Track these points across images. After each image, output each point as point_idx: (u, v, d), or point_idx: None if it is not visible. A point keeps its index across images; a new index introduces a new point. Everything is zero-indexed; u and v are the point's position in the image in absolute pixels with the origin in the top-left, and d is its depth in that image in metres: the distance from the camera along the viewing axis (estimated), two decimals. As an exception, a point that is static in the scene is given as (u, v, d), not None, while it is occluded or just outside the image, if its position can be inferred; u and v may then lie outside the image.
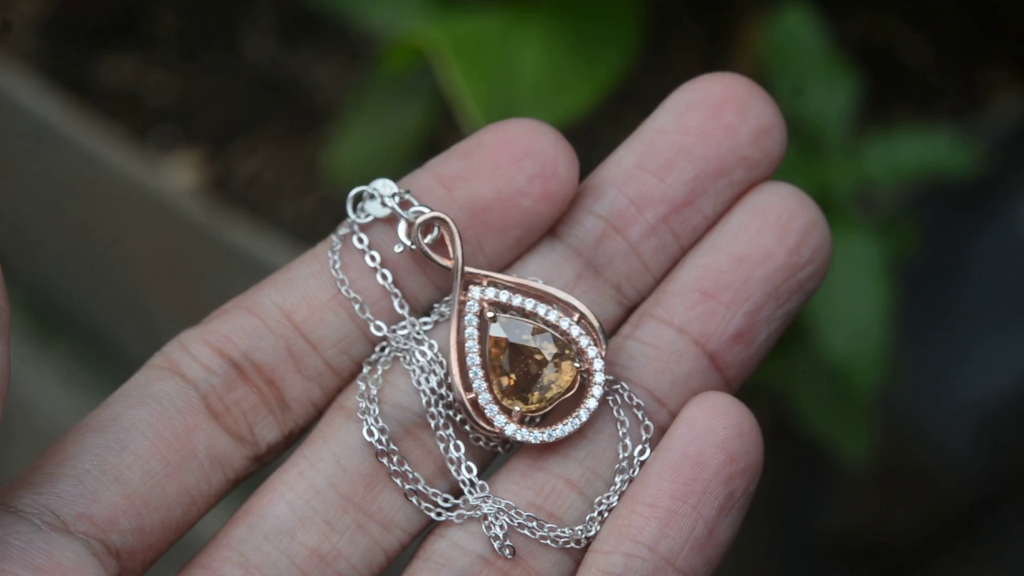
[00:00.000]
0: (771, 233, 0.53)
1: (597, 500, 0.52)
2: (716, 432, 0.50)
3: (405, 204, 0.53)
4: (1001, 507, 1.02)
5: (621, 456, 0.52)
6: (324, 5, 0.94)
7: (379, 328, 0.53)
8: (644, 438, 0.52)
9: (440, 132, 0.93)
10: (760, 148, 0.54)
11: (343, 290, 0.53)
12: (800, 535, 1.02)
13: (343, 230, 0.53)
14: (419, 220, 0.52)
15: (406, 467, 0.52)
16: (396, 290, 0.53)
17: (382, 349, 0.53)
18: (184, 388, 0.52)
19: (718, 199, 0.53)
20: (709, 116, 0.54)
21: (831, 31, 0.88)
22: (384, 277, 0.53)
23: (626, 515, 0.51)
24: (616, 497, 0.51)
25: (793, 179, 0.86)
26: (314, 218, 0.99)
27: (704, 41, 1.06)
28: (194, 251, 0.99)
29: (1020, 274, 1.01)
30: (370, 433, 0.52)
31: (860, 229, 0.85)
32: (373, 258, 0.53)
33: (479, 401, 0.52)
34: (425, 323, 0.53)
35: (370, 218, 0.53)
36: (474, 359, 0.52)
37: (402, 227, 0.53)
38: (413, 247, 0.53)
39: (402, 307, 0.53)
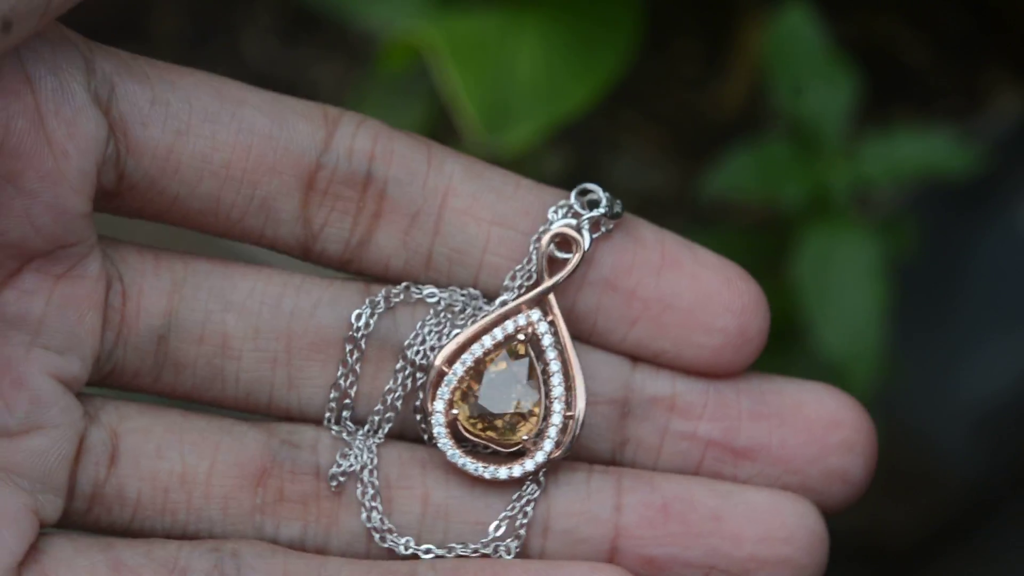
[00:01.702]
0: (758, 532, 0.52)
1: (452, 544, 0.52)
2: None
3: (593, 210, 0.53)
4: (1001, 507, 1.02)
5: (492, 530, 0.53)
6: (324, 5, 0.94)
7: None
8: (511, 546, 0.53)
9: (440, 132, 0.93)
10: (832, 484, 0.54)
11: (532, 241, 0.53)
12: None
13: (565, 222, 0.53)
14: (559, 229, 0.52)
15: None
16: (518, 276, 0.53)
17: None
18: (316, 138, 0.51)
19: (764, 474, 0.54)
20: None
21: (831, 31, 0.88)
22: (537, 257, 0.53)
23: (472, 567, 0.51)
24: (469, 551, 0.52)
25: (792, 179, 0.86)
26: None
27: (704, 41, 1.06)
28: (194, 250, 0.99)
29: (1020, 274, 1.01)
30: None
31: (859, 229, 0.85)
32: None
33: (442, 381, 0.52)
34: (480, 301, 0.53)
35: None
36: (473, 355, 0.52)
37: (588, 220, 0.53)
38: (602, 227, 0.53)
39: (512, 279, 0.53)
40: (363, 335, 0.53)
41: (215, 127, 0.50)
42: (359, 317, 0.53)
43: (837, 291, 0.83)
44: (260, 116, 0.51)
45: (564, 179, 1.05)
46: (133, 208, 0.51)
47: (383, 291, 0.53)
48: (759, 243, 0.91)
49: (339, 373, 0.53)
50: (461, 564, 0.52)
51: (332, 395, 0.53)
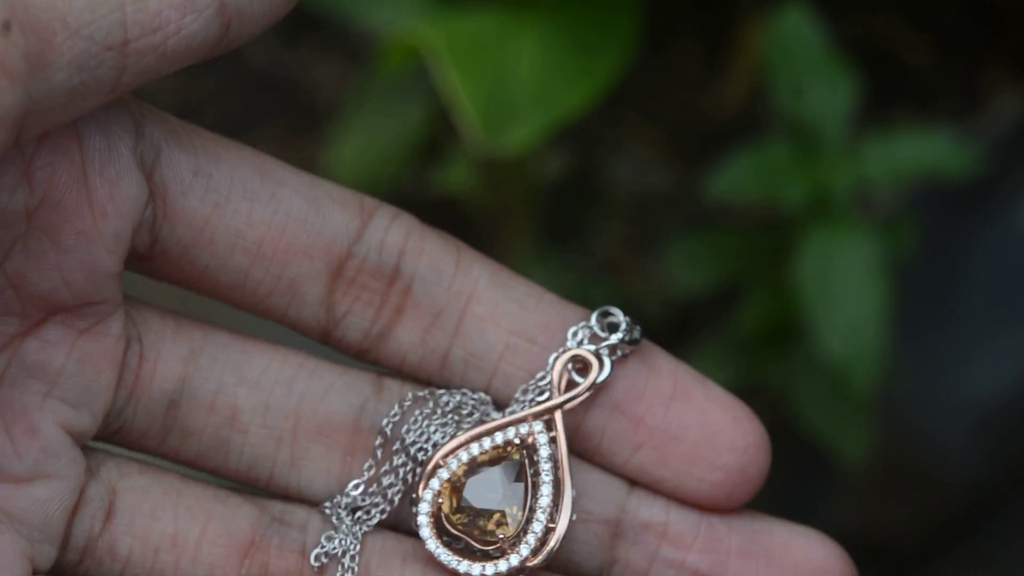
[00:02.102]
0: None
1: None
2: None
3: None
4: (1001, 507, 1.02)
5: None
6: (324, 5, 0.94)
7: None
8: None
9: (441, 132, 0.93)
10: None
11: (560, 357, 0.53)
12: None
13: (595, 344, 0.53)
14: (573, 352, 0.53)
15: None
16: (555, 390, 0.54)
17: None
18: (350, 227, 0.52)
19: None
20: None
21: (831, 31, 0.88)
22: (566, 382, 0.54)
23: None
24: None
25: (793, 181, 0.86)
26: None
27: (704, 42, 1.06)
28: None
29: (1020, 274, 1.01)
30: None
31: (859, 229, 0.85)
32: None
33: (436, 473, 0.53)
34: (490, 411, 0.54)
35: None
36: (470, 453, 0.53)
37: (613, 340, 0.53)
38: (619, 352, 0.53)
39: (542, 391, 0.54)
40: (390, 428, 0.53)
41: (253, 205, 0.51)
42: (396, 414, 0.53)
43: (838, 292, 0.83)
44: (298, 199, 0.51)
45: (564, 179, 1.05)
46: (162, 272, 0.51)
47: (411, 394, 0.53)
48: (760, 244, 0.91)
49: (366, 466, 0.53)
50: None
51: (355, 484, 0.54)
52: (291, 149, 1.02)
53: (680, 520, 0.54)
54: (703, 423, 0.53)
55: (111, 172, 0.49)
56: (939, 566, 1.03)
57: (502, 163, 0.89)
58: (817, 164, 0.86)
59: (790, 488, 1.01)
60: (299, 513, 0.53)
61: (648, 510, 0.54)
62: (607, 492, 0.54)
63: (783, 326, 0.90)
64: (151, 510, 0.52)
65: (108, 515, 0.51)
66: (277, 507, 0.53)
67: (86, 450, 0.51)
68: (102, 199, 0.49)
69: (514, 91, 0.78)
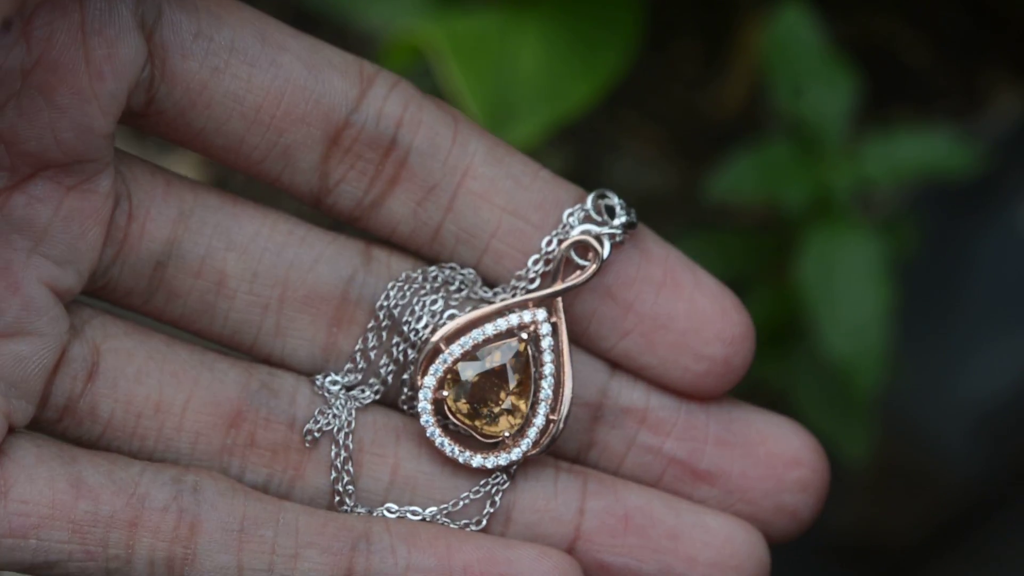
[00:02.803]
0: (711, 556, 0.53)
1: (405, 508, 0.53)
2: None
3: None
4: (1001, 507, 1.02)
5: (445, 509, 0.53)
6: (324, 5, 0.94)
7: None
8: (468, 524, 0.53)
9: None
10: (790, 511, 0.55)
11: (553, 238, 0.53)
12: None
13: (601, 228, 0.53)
14: (582, 235, 0.53)
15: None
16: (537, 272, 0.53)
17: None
18: (349, 96, 0.51)
19: (719, 500, 0.55)
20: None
21: (831, 31, 0.88)
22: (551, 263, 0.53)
23: (426, 531, 0.52)
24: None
25: (794, 181, 0.86)
26: (314, 217, 0.99)
27: (704, 41, 1.06)
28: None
29: (1020, 274, 1.01)
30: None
31: (860, 229, 0.85)
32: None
33: (436, 358, 0.52)
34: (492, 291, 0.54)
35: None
36: (473, 339, 0.53)
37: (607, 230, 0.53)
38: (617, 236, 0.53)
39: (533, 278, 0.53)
40: (384, 308, 0.53)
41: (252, 70, 0.50)
42: (387, 296, 0.53)
43: (840, 292, 0.83)
44: (298, 65, 0.51)
45: (564, 178, 1.05)
46: (156, 130, 0.51)
47: (404, 274, 0.53)
48: (761, 244, 0.91)
49: (360, 342, 0.53)
50: (416, 529, 0.52)
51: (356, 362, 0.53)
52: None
53: (660, 406, 0.54)
54: (692, 312, 0.53)
55: (110, 32, 0.48)
56: (939, 566, 1.03)
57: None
58: (817, 164, 0.86)
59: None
60: (287, 381, 0.53)
61: (629, 395, 0.54)
62: (589, 375, 0.54)
63: (784, 326, 0.90)
64: (135, 374, 0.51)
65: (90, 375, 0.51)
66: (264, 370, 0.53)
67: (72, 306, 0.51)
68: (99, 60, 0.48)
69: (516, 88, 0.78)
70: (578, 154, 1.05)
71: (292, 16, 1.05)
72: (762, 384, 0.91)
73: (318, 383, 0.53)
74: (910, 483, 1.01)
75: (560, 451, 0.54)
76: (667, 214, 1.04)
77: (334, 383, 0.53)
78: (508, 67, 0.79)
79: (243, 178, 1.00)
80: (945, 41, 1.06)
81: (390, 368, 0.53)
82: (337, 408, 0.52)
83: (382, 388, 0.53)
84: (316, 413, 0.52)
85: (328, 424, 0.52)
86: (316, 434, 0.52)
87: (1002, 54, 1.05)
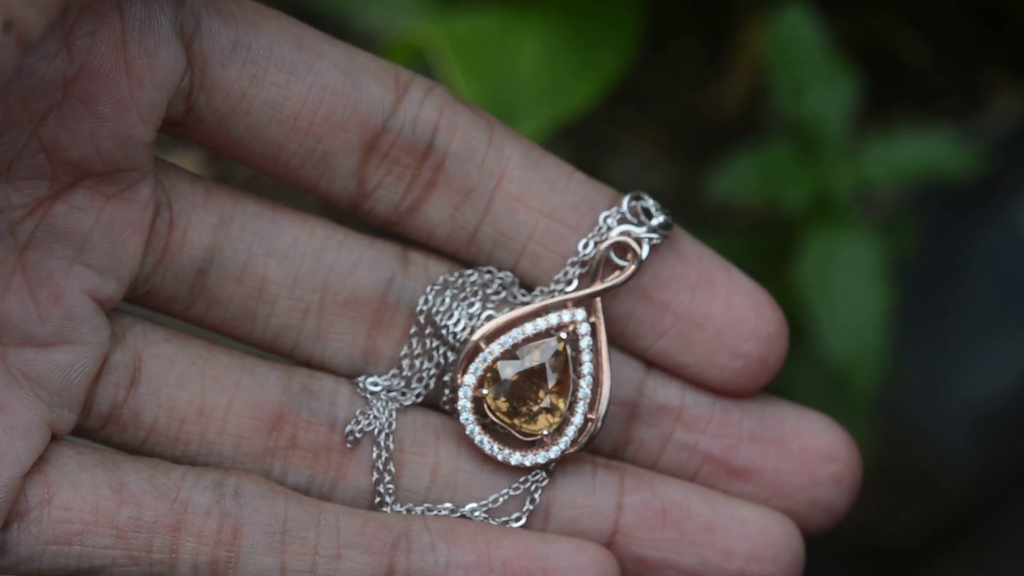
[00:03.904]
0: (749, 548, 0.54)
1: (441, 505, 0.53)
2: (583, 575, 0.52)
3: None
4: (1001, 507, 1.02)
5: (485, 505, 0.53)
6: (324, 5, 0.94)
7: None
8: (509, 520, 0.53)
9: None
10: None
11: (583, 245, 0.53)
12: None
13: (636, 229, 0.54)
14: (621, 237, 0.53)
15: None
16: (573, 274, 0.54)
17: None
18: (385, 102, 0.52)
19: (754, 494, 0.55)
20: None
21: (831, 31, 0.88)
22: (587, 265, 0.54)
23: (465, 527, 0.52)
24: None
25: (794, 181, 0.86)
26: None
27: (704, 41, 1.06)
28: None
29: (1020, 275, 1.01)
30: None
31: (860, 230, 0.85)
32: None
33: (476, 357, 0.53)
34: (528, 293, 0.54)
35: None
36: (512, 338, 0.53)
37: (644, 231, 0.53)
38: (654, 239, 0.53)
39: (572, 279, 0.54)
40: (423, 312, 0.53)
41: (291, 78, 0.51)
42: (426, 300, 0.53)
43: (840, 292, 0.83)
44: (335, 72, 0.51)
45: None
46: (195, 138, 0.51)
47: (442, 278, 0.53)
48: (761, 245, 0.91)
49: (405, 349, 0.53)
50: (455, 526, 0.52)
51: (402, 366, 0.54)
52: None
53: (695, 404, 0.54)
54: (727, 310, 0.54)
55: (150, 42, 0.49)
56: (939, 566, 1.03)
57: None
58: (818, 164, 0.86)
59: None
60: (327, 383, 0.53)
61: (664, 392, 0.54)
62: (626, 374, 0.54)
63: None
64: (177, 380, 0.52)
65: (132, 382, 0.51)
66: (304, 373, 0.53)
67: (113, 313, 0.51)
68: (139, 69, 0.48)
69: (517, 89, 0.78)
70: (578, 154, 1.05)
71: (292, 16, 1.05)
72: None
73: (360, 385, 0.53)
74: (910, 483, 1.01)
75: (597, 449, 0.55)
76: (667, 214, 1.04)
77: (375, 384, 0.53)
78: (508, 67, 0.79)
79: (243, 180, 1.00)
80: (945, 41, 1.06)
81: (431, 372, 0.54)
82: (378, 409, 0.53)
83: (424, 391, 0.54)
84: (357, 414, 0.53)
85: (369, 425, 0.53)
86: (357, 435, 0.53)
87: (1002, 54, 1.05)
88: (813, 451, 0.55)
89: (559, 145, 1.04)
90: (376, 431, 0.53)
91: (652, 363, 0.54)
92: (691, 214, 1.03)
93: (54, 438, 0.51)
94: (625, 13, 0.83)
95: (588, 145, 1.06)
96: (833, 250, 0.84)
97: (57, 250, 0.50)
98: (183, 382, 0.52)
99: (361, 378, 0.53)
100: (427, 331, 0.53)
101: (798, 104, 0.86)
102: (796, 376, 0.90)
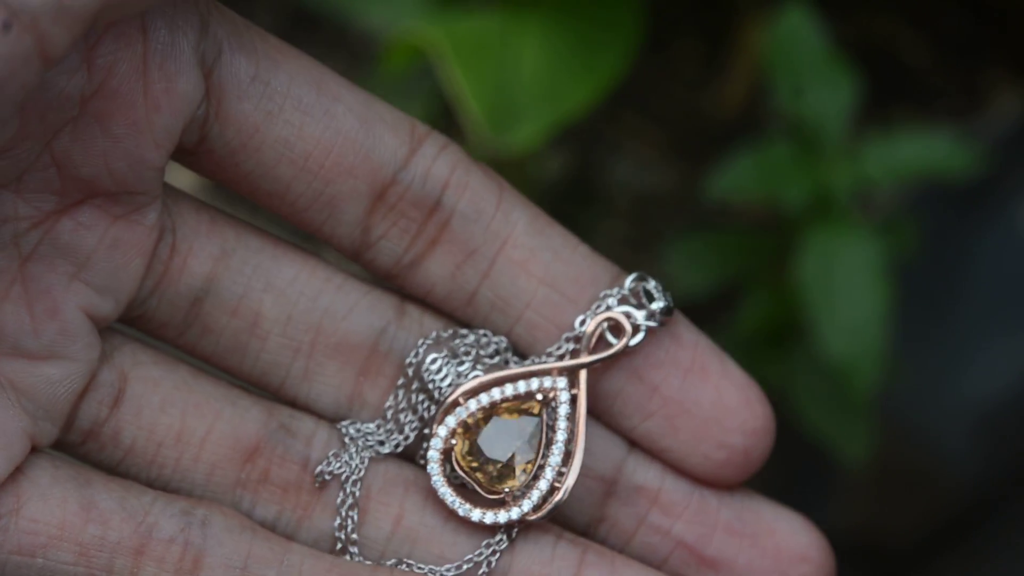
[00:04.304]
0: None
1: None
2: None
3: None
4: (1001, 507, 1.02)
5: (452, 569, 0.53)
6: (324, 5, 0.94)
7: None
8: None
9: (442, 131, 0.93)
10: None
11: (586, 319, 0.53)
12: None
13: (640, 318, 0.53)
14: (614, 315, 0.53)
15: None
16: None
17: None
18: (398, 153, 0.51)
19: None
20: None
21: (831, 31, 0.88)
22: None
23: None
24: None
25: (794, 181, 0.86)
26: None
27: (704, 41, 1.06)
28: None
29: (1020, 274, 1.01)
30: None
31: (860, 229, 0.85)
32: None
33: (453, 411, 0.53)
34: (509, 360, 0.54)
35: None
36: (491, 397, 0.53)
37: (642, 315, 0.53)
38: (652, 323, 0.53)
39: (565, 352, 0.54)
40: (413, 365, 0.53)
41: (305, 118, 0.51)
42: (416, 354, 0.53)
43: (839, 292, 0.83)
44: (351, 117, 0.51)
45: (565, 178, 1.05)
46: (205, 169, 0.51)
47: (435, 332, 0.53)
48: (760, 244, 0.91)
49: (391, 398, 0.53)
50: None
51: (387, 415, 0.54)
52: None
53: (673, 488, 0.54)
54: (716, 400, 0.53)
55: (171, 67, 0.49)
56: (939, 566, 1.03)
57: (503, 162, 0.89)
58: (818, 164, 0.86)
59: (790, 488, 1.01)
60: (306, 423, 0.53)
61: (644, 474, 0.54)
62: (607, 449, 0.54)
63: (784, 326, 0.90)
64: (160, 403, 0.52)
65: (116, 402, 0.51)
66: (285, 414, 0.53)
67: (104, 331, 0.51)
68: (158, 93, 0.48)
69: (518, 89, 0.78)
70: (578, 154, 1.05)
71: (292, 16, 1.05)
72: (762, 384, 0.91)
73: (342, 429, 0.53)
74: (910, 483, 1.01)
75: (570, 523, 0.54)
76: (667, 214, 1.04)
77: (357, 431, 0.53)
78: (509, 68, 0.79)
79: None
80: (945, 41, 1.06)
81: (414, 424, 0.54)
82: (351, 454, 0.53)
83: (403, 442, 0.54)
84: (330, 455, 0.53)
85: (340, 468, 0.53)
86: (327, 476, 0.53)
87: (1002, 54, 1.05)
88: (787, 550, 0.54)
89: (560, 146, 1.04)
90: (344, 476, 0.53)
91: (636, 443, 0.54)
92: (691, 214, 1.03)
93: (33, 450, 0.50)
94: (625, 14, 0.83)
95: (588, 145, 1.06)
96: (833, 250, 0.85)
97: (59, 265, 0.50)
98: (165, 406, 0.52)
99: (345, 423, 0.53)
100: (414, 385, 0.53)
101: (798, 104, 0.86)
102: (796, 376, 0.90)
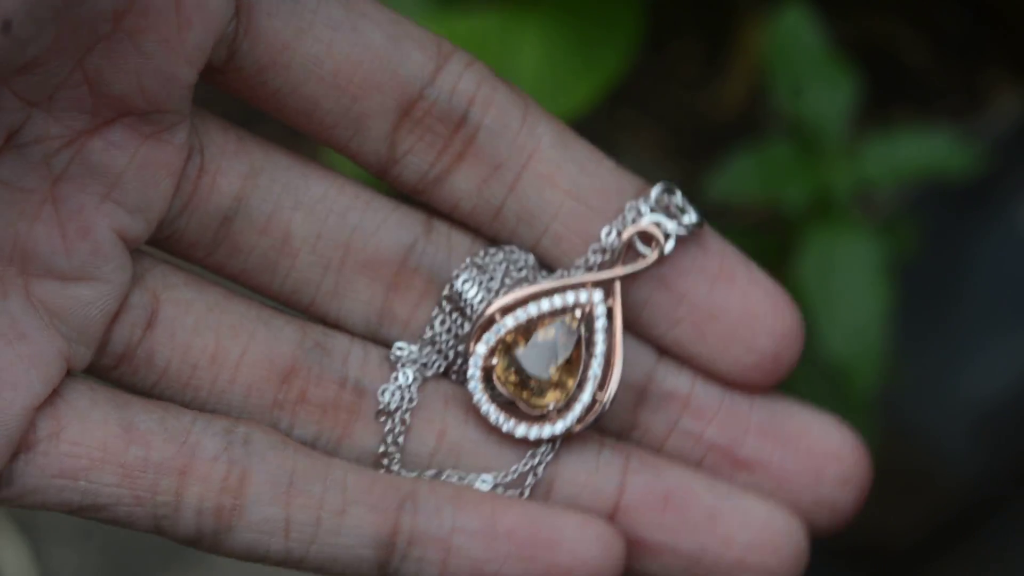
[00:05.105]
0: (749, 538, 0.54)
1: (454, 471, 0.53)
2: (586, 551, 0.52)
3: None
4: (1001, 507, 1.02)
5: (497, 477, 0.53)
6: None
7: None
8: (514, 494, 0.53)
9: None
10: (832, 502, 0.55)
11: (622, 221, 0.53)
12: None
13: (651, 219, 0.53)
14: (647, 227, 0.53)
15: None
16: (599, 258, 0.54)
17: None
18: (425, 69, 0.51)
19: (756, 488, 0.55)
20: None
21: (831, 31, 0.88)
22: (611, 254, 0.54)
23: (471, 495, 0.52)
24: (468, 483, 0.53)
25: (794, 181, 0.86)
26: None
27: (704, 41, 1.06)
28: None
29: (1020, 274, 1.01)
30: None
31: (860, 229, 0.85)
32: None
33: (490, 328, 0.53)
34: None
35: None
36: (528, 312, 0.53)
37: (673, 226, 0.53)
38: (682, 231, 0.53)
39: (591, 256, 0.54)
40: (454, 292, 0.53)
41: (335, 35, 0.50)
42: (457, 275, 0.53)
43: (839, 292, 0.83)
44: (379, 34, 0.51)
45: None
46: (233, 87, 0.51)
47: (468, 259, 0.53)
48: (761, 245, 0.91)
49: (434, 314, 0.53)
50: (462, 492, 0.52)
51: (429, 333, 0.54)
52: (291, 149, 1.02)
53: (704, 393, 0.54)
54: (744, 305, 0.53)
55: None
56: (939, 566, 1.03)
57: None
58: (818, 164, 0.86)
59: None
60: (340, 341, 0.53)
61: (674, 380, 0.54)
62: (637, 358, 0.54)
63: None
64: (193, 324, 0.51)
65: (149, 324, 0.51)
66: (319, 332, 0.53)
67: (134, 254, 0.51)
68: (189, 9, 0.48)
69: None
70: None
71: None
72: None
73: (394, 353, 0.53)
74: (910, 483, 1.01)
75: (604, 430, 0.54)
76: (667, 214, 1.04)
77: (401, 350, 0.53)
78: (509, 67, 0.79)
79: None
80: (945, 41, 1.06)
81: (450, 343, 0.54)
82: (403, 380, 0.53)
83: (444, 362, 0.54)
84: (380, 392, 0.53)
85: (397, 399, 0.53)
86: (389, 408, 0.53)
87: (1002, 54, 1.05)
88: (820, 450, 0.54)
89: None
90: (393, 409, 0.53)
91: (665, 351, 0.54)
92: (691, 214, 1.03)
93: (68, 374, 0.50)
94: (625, 13, 0.83)
95: (588, 145, 1.06)
96: (833, 250, 0.85)
97: (89, 185, 0.49)
98: (199, 328, 0.51)
99: (400, 345, 0.53)
100: (447, 306, 0.53)
101: (798, 104, 0.86)
102: (797, 375, 0.90)
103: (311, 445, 0.52)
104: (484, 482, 0.53)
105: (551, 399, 0.53)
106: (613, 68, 0.81)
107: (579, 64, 0.81)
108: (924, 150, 0.87)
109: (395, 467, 0.53)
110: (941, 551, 1.03)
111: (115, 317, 0.51)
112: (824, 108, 0.86)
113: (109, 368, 0.51)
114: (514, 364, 0.53)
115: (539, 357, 0.53)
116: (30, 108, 0.48)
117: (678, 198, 0.54)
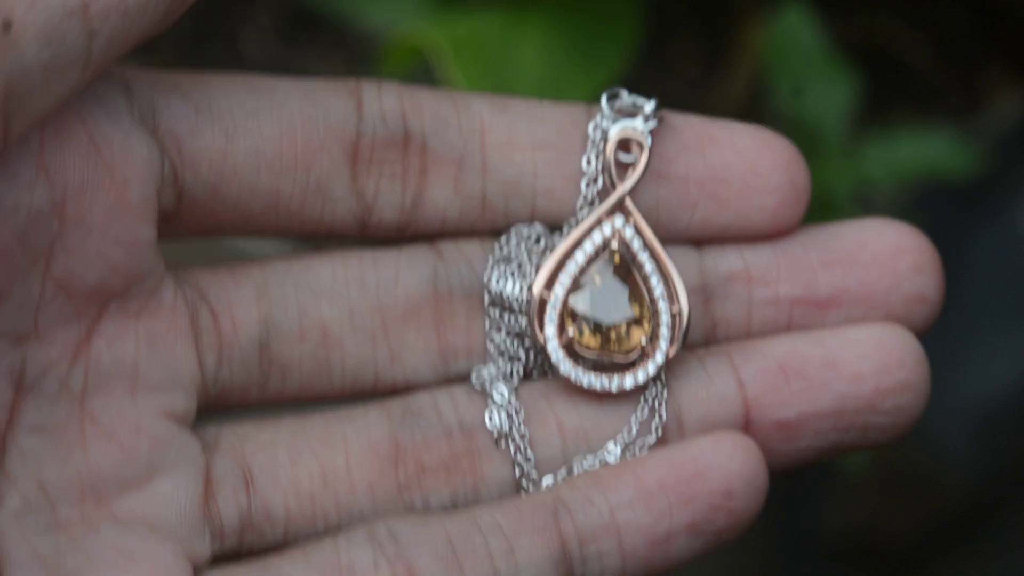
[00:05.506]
0: (873, 365, 0.53)
1: (577, 459, 0.53)
2: (731, 465, 0.51)
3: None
4: (1001, 507, 1.02)
5: (620, 439, 0.53)
6: (324, 5, 0.94)
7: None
8: (647, 443, 0.53)
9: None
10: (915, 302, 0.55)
11: (585, 159, 0.53)
12: (799, 535, 1.02)
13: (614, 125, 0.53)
14: (621, 134, 0.53)
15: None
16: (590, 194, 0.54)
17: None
18: (348, 110, 0.51)
19: (850, 317, 0.54)
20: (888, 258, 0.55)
21: (831, 31, 0.88)
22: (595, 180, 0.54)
23: (608, 472, 0.52)
24: (597, 463, 0.52)
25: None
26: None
27: (704, 41, 1.06)
28: (194, 250, 0.98)
29: (1020, 274, 1.01)
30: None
31: (860, 229, 0.85)
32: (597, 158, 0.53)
33: (546, 307, 0.52)
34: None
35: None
36: (569, 273, 0.53)
37: (638, 123, 0.53)
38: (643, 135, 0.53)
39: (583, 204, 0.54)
40: (496, 293, 0.53)
41: (259, 120, 0.50)
42: (489, 279, 0.53)
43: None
44: (295, 100, 0.51)
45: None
46: (191, 226, 0.51)
47: (489, 258, 0.53)
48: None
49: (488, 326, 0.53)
50: (598, 474, 0.52)
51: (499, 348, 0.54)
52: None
53: (758, 258, 0.54)
54: (741, 157, 0.53)
55: (119, 138, 0.48)
56: (939, 566, 1.03)
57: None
58: (817, 164, 0.86)
59: (790, 488, 1.01)
60: (422, 399, 0.52)
61: (725, 262, 0.54)
62: (682, 262, 0.54)
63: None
64: (289, 459, 0.51)
65: (248, 483, 0.51)
66: (399, 402, 0.52)
67: (198, 429, 0.51)
68: (120, 167, 0.48)
69: (518, 88, 0.78)
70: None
71: (292, 16, 1.05)
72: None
73: (475, 380, 0.53)
74: (910, 484, 1.01)
75: (692, 345, 0.54)
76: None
77: (488, 373, 0.53)
78: (509, 67, 0.79)
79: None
80: (945, 41, 1.06)
81: (516, 344, 0.53)
82: (496, 404, 0.52)
83: (520, 365, 0.53)
84: (490, 412, 0.52)
85: (503, 421, 0.52)
86: (494, 431, 0.52)
87: (1002, 54, 1.05)
88: (884, 251, 0.55)
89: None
90: (504, 429, 0.52)
91: (700, 241, 0.54)
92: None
93: (197, 568, 0.49)
94: (625, 12, 0.83)
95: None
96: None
97: (115, 387, 0.49)
98: (295, 458, 0.51)
99: (479, 370, 0.53)
100: (495, 312, 0.53)
101: (797, 104, 0.86)
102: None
103: (452, 507, 0.52)
104: (610, 452, 0.53)
105: (638, 336, 0.53)
106: (613, 68, 0.81)
107: (580, 63, 0.81)
108: (924, 150, 0.87)
109: (534, 477, 0.52)
110: (941, 551, 1.03)
111: (211, 494, 0.50)
112: (824, 108, 0.86)
113: (235, 544, 0.51)
114: (587, 324, 0.53)
115: (604, 304, 0.53)
116: (22, 344, 0.48)
117: (626, 97, 0.54)
